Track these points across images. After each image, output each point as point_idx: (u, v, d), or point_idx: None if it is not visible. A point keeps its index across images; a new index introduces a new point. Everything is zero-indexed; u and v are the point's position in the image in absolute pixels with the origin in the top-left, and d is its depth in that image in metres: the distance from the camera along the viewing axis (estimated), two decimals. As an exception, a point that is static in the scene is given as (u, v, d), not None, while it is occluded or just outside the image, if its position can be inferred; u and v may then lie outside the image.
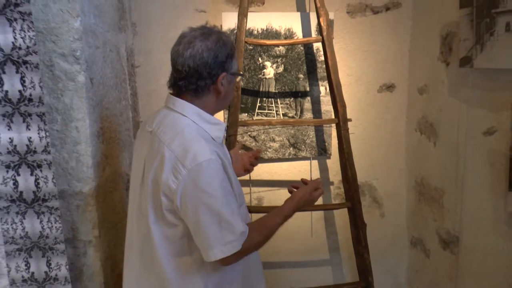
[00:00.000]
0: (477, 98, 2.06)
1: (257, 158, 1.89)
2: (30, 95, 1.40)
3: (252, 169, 1.88)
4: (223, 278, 1.43)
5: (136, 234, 1.44)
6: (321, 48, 2.52)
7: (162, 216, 1.35)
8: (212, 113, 1.46)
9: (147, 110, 2.56)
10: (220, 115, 2.58)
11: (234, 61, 1.44)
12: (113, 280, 1.79)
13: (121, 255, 1.89)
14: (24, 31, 1.35)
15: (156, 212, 1.36)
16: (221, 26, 2.52)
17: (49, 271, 1.53)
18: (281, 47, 2.59)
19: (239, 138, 2.54)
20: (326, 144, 2.72)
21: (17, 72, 1.38)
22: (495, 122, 1.92)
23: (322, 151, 2.73)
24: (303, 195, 1.56)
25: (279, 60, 2.64)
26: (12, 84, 1.39)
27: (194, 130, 1.37)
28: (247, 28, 2.39)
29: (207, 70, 1.37)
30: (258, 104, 2.65)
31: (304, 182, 1.64)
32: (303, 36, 2.57)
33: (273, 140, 2.69)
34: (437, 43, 2.39)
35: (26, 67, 1.38)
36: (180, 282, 1.39)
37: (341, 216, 2.75)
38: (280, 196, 2.67)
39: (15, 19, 1.34)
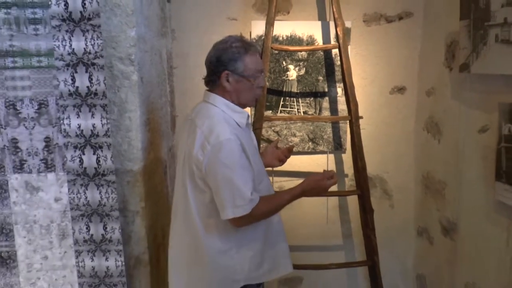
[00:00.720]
0: (474, 100, 2.32)
1: (290, 152, 2.20)
2: (96, 90, 1.76)
3: (285, 160, 2.20)
4: (243, 237, 1.76)
5: (180, 203, 1.80)
6: (338, 54, 2.81)
7: (195, 184, 1.71)
8: (237, 104, 1.79)
9: (183, 106, 2.89)
10: (247, 111, 2.90)
11: (239, 63, 1.75)
12: (154, 247, 2.14)
13: (160, 228, 2.25)
14: (94, 39, 1.71)
15: (191, 181, 1.72)
16: (250, 33, 2.85)
17: (105, 233, 1.88)
18: (303, 52, 2.90)
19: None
20: (342, 139, 3.01)
21: (86, 71, 1.74)
22: (488, 121, 2.18)
23: (338, 146, 3.02)
24: (313, 181, 1.84)
25: (301, 63, 2.94)
26: (82, 81, 1.75)
27: (221, 117, 1.73)
28: (273, 35, 2.71)
29: (212, 67, 1.79)
30: (281, 103, 2.96)
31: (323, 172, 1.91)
32: (323, 43, 2.87)
33: (294, 135, 3.00)
34: (443, 50, 2.65)
35: (94, 68, 1.74)
36: (208, 239, 1.74)
37: (354, 205, 3.03)
38: (297, 183, 2.98)
39: (87, 30, 1.70)
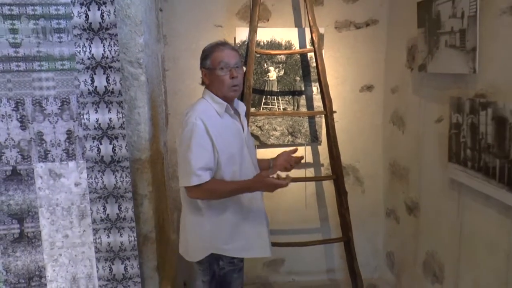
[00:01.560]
0: (430, 95, 2.71)
1: (297, 163, 2.33)
2: (112, 89, 2.05)
3: (291, 169, 2.32)
4: (214, 213, 2.09)
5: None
6: (313, 57, 3.17)
7: None
8: (220, 96, 2.09)
9: (174, 105, 3.19)
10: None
11: (208, 60, 2.09)
12: (159, 226, 2.44)
13: (163, 210, 2.55)
14: (111, 46, 2.00)
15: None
16: (234, 38, 3.17)
17: (120, 213, 2.17)
18: (282, 55, 3.25)
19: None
20: (318, 133, 3.38)
21: (104, 73, 2.03)
22: (442, 113, 2.56)
23: (314, 139, 3.38)
24: (260, 182, 2.03)
25: (280, 65, 3.29)
26: (100, 82, 2.04)
27: (202, 106, 2.09)
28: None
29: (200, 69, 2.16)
30: (263, 101, 3.30)
31: (277, 176, 2.08)
32: (300, 47, 3.22)
33: (275, 130, 3.34)
34: (404, 53, 3.05)
35: (111, 70, 2.03)
36: (187, 210, 2.15)
37: (329, 192, 3.40)
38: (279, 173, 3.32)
39: (105, 38, 1.99)
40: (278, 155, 2.34)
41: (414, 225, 2.98)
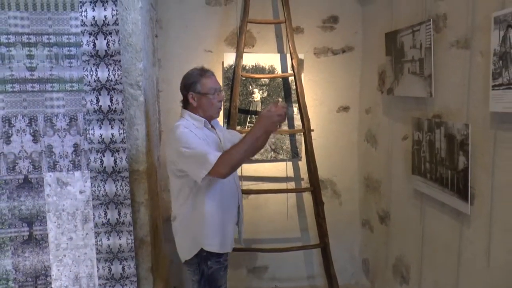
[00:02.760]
0: (397, 116, 3.04)
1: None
2: (115, 108, 2.33)
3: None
4: (204, 218, 2.33)
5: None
6: (294, 80, 3.49)
7: (172, 173, 2.37)
8: (203, 115, 2.38)
9: (167, 123, 3.45)
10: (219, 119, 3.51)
11: (198, 85, 2.34)
12: (153, 231, 2.70)
13: (156, 218, 2.81)
14: (115, 71, 2.29)
15: (170, 172, 2.38)
16: (223, 62, 3.49)
17: (119, 218, 2.42)
18: (265, 79, 3.56)
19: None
20: (298, 149, 3.68)
21: (108, 94, 2.32)
22: (407, 131, 2.88)
23: (295, 155, 3.68)
24: (264, 117, 2.12)
25: (264, 88, 3.60)
26: (104, 102, 2.32)
27: (183, 122, 2.34)
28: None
29: (182, 92, 2.43)
30: (248, 119, 3.60)
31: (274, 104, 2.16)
32: (282, 71, 3.55)
33: (259, 146, 3.63)
34: (376, 77, 3.39)
35: (114, 92, 2.31)
36: (180, 221, 2.41)
37: (309, 204, 3.68)
38: (263, 186, 3.61)
39: (110, 64, 2.29)
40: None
41: (385, 233, 3.28)
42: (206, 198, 2.34)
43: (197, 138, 2.28)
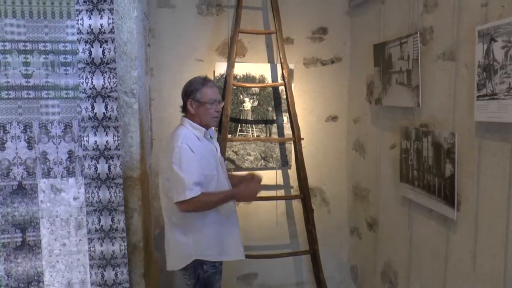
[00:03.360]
0: (386, 125, 3.12)
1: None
2: (110, 115, 2.36)
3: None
4: (202, 228, 2.39)
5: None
6: (284, 90, 3.55)
7: (164, 184, 2.39)
8: (199, 123, 2.44)
9: (159, 131, 3.49)
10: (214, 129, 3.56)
11: (198, 94, 2.41)
12: (145, 238, 2.72)
13: (149, 225, 2.83)
14: (110, 78, 2.33)
15: (163, 183, 2.39)
16: (214, 72, 3.54)
17: (112, 224, 2.44)
18: (256, 88, 3.62)
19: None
20: (288, 158, 3.73)
21: (103, 102, 2.35)
22: (395, 140, 2.96)
23: (285, 163, 3.74)
24: (245, 190, 2.46)
25: (254, 97, 3.66)
26: (99, 109, 2.35)
27: (183, 132, 2.39)
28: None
29: (183, 98, 2.48)
30: (239, 128, 3.65)
31: (251, 176, 2.58)
32: (272, 81, 3.61)
33: (249, 154, 3.68)
34: (364, 88, 3.47)
35: (109, 99, 2.35)
36: (175, 231, 2.43)
37: (299, 211, 3.73)
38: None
39: (105, 72, 2.32)
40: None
41: (374, 240, 3.34)
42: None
43: (193, 159, 2.31)
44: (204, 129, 2.45)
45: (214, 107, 2.44)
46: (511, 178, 1.91)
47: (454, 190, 2.22)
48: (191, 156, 2.31)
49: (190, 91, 2.44)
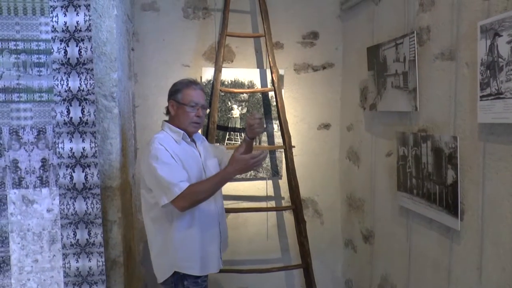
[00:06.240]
0: (381, 132, 2.98)
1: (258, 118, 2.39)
2: (87, 120, 2.19)
3: (254, 124, 2.37)
4: (182, 238, 2.19)
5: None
6: (274, 96, 3.41)
7: (145, 192, 2.20)
8: (181, 128, 2.26)
9: (143, 140, 3.32)
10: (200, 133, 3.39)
11: (180, 95, 2.25)
12: (127, 252, 2.53)
13: (130, 238, 2.64)
14: (87, 80, 2.16)
15: (144, 190, 2.21)
16: (201, 77, 3.39)
17: (89, 238, 2.26)
18: (245, 94, 3.48)
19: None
20: (278, 168, 3.57)
21: (79, 105, 2.18)
22: (391, 147, 2.82)
23: (275, 173, 3.58)
24: (237, 162, 2.09)
25: (243, 104, 3.51)
26: (75, 113, 2.18)
27: (161, 136, 2.22)
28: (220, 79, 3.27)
29: (167, 99, 2.30)
30: (227, 136, 3.49)
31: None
32: (261, 87, 3.47)
33: (239, 164, 3.51)
34: (358, 93, 3.34)
35: (86, 102, 2.18)
36: (156, 242, 2.24)
37: (290, 223, 3.56)
38: (242, 205, 3.48)
39: (82, 73, 2.16)
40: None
41: (369, 252, 3.17)
42: (180, 218, 2.19)
43: (171, 158, 2.14)
44: (182, 131, 2.28)
45: (194, 111, 2.26)
46: (520, 183, 1.77)
47: (458, 198, 2.07)
48: (168, 155, 2.14)
49: (173, 92, 2.30)
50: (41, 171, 2.20)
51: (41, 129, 2.18)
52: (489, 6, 1.92)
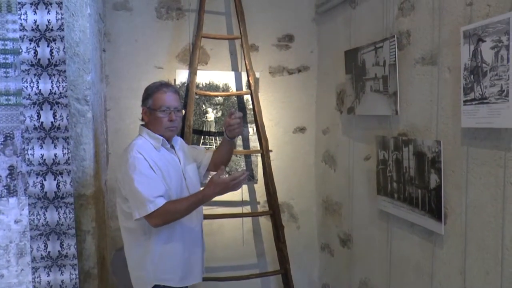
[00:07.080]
0: (359, 135, 2.97)
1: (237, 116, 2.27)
2: (59, 125, 2.06)
3: (232, 122, 2.26)
4: (161, 249, 2.10)
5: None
6: (249, 99, 3.35)
7: (121, 200, 2.09)
8: (158, 134, 2.16)
9: (115, 144, 3.18)
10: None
11: (150, 100, 2.14)
12: (100, 262, 2.41)
13: (104, 248, 2.52)
14: (59, 82, 2.04)
15: (120, 199, 2.10)
16: (174, 80, 3.29)
17: (62, 250, 2.13)
18: (220, 98, 3.40)
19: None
20: (254, 172, 3.52)
21: (51, 109, 2.05)
22: (370, 151, 2.81)
23: (250, 177, 3.51)
24: (214, 185, 2.01)
25: (218, 107, 3.44)
26: (46, 117, 2.05)
27: (139, 142, 2.12)
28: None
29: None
30: (202, 140, 3.41)
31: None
32: (236, 90, 3.40)
33: (214, 168, 3.43)
34: (334, 97, 3.32)
35: (58, 106, 2.05)
36: (134, 253, 2.14)
37: (266, 228, 3.51)
38: (217, 211, 3.40)
39: (54, 74, 2.03)
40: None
41: (347, 256, 3.16)
42: (158, 231, 2.09)
43: (149, 169, 2.04)
44: (161, 138, 2.18)
45: (166, 116, 2.15)
46: (505, 188, 1.77)
47: (441, 202, 2.07)
48: (147, 166, 2.04)
49: (144, 98, 2.19)
50: (8, 179, 2.06)
51: (8, 135, 2.04)
52: (471, 12, 1.92)
